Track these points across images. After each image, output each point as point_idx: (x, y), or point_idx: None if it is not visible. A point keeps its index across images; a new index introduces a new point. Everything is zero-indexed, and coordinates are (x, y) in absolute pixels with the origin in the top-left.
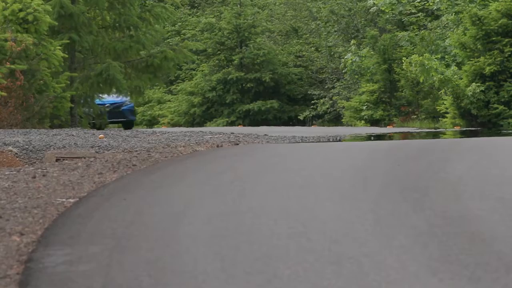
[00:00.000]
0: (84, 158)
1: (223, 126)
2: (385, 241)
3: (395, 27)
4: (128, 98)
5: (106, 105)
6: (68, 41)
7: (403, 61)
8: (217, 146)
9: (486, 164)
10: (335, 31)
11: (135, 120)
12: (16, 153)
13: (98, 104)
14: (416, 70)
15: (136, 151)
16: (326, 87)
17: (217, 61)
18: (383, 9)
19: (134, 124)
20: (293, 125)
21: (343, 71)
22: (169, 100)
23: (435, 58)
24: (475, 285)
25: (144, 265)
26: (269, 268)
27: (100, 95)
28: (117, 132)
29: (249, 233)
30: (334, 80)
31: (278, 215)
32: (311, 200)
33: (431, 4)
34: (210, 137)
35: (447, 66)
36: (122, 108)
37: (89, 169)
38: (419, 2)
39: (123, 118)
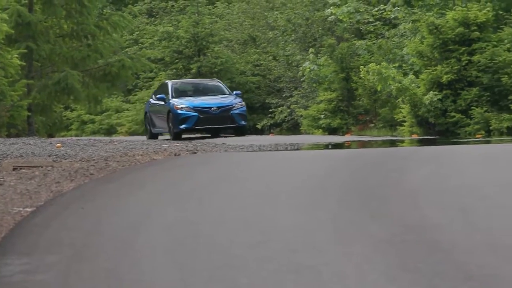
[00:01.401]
0: (42, 167)
1: None
2: (344, 250)
3: (352, 35)
4: (240, 100)
5: (212, 108)
6: (25, 50)
7: (361, 69)
8: (175, 154)
9: (444, 173)
10: (292, 40)
11: (246, 125)
12: None
13: (202, 107)
14: (374, 78)
15: (94, 160)
16: (284, 95)
17: (174, 70)
18: (340, 18)
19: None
20: (252, 133)
21: (301, 79)
22: (127, 109)
23: (393, 67)
24: None
25: (102, 274)
26: (228, 277)
27: (205, 96)
28: (74, 141)
29: (208, 242)
30: (292, 89)
31: (237, 224)
32: (270, 209)
33: (388, 13)
34: (168, 146)
35: (405, 74)
36: (232, 111)
37: (46, 178)
38: (376, 11)
39: (232, 123)
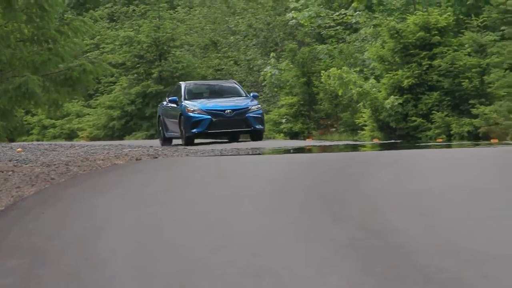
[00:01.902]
0: (2, 172)
1: (143, 139)
2: (305, 254)
3: (314, 40)
4: (256, 102)
5: (226, 111)
6: None
7: (322, 74)
8: (136, 159)
9: (405, 177)
10: (254, 44)
11: (263, 129)
12: None
13: (215, 109)
14: (335, 83)
15: (55, 164)
16: None
17: (136, 75)
18: (302, 22)
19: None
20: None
21: (262, 84)
22: (88, 114)
23: (354, 71)
24: None
25: (63, 279)
26: (190, 281)
27: (219, 98)
28: (35, 146)
29: (169, 246)
30: None
31: (199, 228)
32: (232, 213)
33: (349, 17)
34: (129, 150)
35: (366, 79)
36: (247, 114)
37: (7, 183)
38: (338, 16)
39: (248, 127)
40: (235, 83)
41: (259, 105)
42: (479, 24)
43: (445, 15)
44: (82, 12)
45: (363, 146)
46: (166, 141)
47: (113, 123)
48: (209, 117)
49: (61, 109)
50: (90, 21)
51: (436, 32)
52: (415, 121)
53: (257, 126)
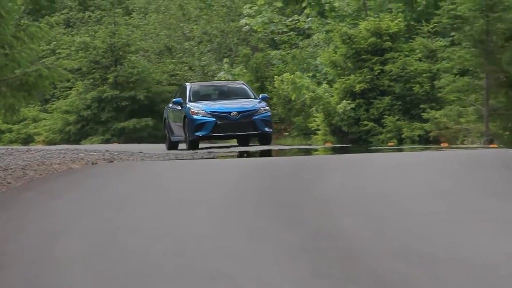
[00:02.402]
0: None
1: (99, 143)
2: (259, 257)
3: (267, 45)
4: (264, 104)
5: (232, 113)
6: None
7: (275, 79)
8: (92, 163)
9: (356, 181)
10: (208, 50)
11: (271, 133)
12: None
13: (220, 112)
14: (288, 88)
15: (11, 169)
16: None
17: (92, 80)
18: (255, 28)
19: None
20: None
21: None
22: (45, 118)
23: (307, 76)
24: None
25: (19, 283)
26: (145, 285)
27: (225, 100)
28: None
29: (125, 250)
30: None
31: (154, 232)
32: (186, 217)
33: (302, 23)
34: (85, 155)
35: (319, 84)
36: (254, 117)
37: None
38: (290, 22)
39: (255, 130)
40: (243, 84)
41: (268, 107)
42: (430, 30)
43: (396, 21)
44: (38, 18)
45: (316, 150)
46: (172, 145)
47: (69, 128)
48: (214, 119)
49: (17, 113)
50: (46, 27)
51: (387, 37)
52: (367, 125)
53: (265, 129)
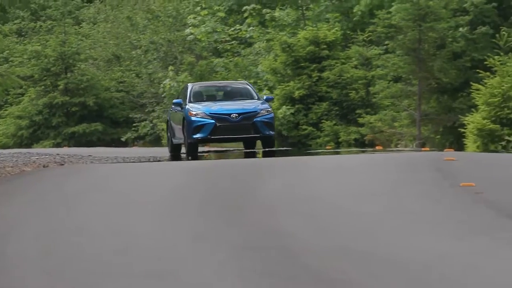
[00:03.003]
0: None
1: (50, 147)
2: (203, 256)
3: (211, 54)
4: (267, 106)
5: (232, 115)
6: None
7: None
8: (44, 166)
9: (297, 183)
10: (154, 59)
11: (273, 136)
12: None
13: (220, 113)
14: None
15: None
16: (147, 110)
17: (43, 87)
18: (199, 37)
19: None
20: (116, 146)
21: (162, 95)
22: None
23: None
24: None
25: None
26: (94, 283)
27: (227, 101)
28: None
29: (75, 249)
30: (154, 104)
31: (103, 233)
32: (134, 218)
33: (244, 32)
34: (37, 158)
35: (260, 90)
36: (255, 119)
37: None
38: (233, 31)
39: (256, 133)
40: (247, 85)
41: (270, 109)
42: (365, 38)
43: (333, 30)
44: None
45: (257, 153)
46: (174, 148)
47: (21, 132)
48: (213, 121)
49: None
50: None
51: (325, 46)
52: (306, 129)
53: (266, 132)
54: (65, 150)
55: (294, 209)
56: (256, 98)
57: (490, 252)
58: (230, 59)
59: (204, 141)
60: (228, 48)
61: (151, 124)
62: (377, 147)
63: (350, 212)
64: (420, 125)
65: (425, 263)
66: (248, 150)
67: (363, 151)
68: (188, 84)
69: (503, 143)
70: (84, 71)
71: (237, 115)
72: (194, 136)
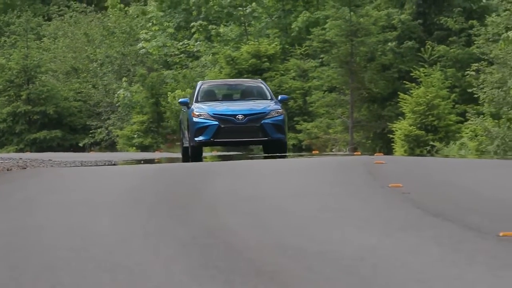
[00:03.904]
0: None
1: (13, 152)
2: (153, 252)
3: (161, 66)
4: (278, 107)
5: (238, 116)
6: None
7: (168, 95)
8: (7, 169)
9: (240, 184)
10: (109, 71)
11: (284, 139)
12: None
13: (225, 114)
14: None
15: None
16: (103, 118)
17: (7, 97)
18: (151, 51)
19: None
20: (74, 151)
21: (117, 104)
22: None
23: None
24: (230, 286)
25: None
26: (54, 276)
27: (234, 101)
28: None
29: (36, 246)
30: (110, 112)
31: (61, 230)
32: (90, 217)
33: (191, 46)
34: (1, 162)
35: None
36: (264, 121)
37: None
38: (181, 45)
39: (264, 136)
40: (262, 83)
41: (281, 110)
42: (302, 52)
43: (273, 45)
44: None
45: (205, 157)
46: (185, 150)
47: None
48: (216, 123)
49: None
50: None
51: (266, 59)
52: None
53: (274, 136)
54: (27, 155)
55: (236, 209)
56: (269, 98)
57: (415, 246)
58: (179, 71)
59: (206, 145)
60: (177, 61)
61: (106, 131)
62: (313, 152)
63: (288, 210)
64: (352, 131)
65: (356, 255)
66: (268, 155)
67: (301, 156)
68: (199, 82)
69: (428, 147)
70: (45, 83)
71: (243, 116)
72: (196, 139)
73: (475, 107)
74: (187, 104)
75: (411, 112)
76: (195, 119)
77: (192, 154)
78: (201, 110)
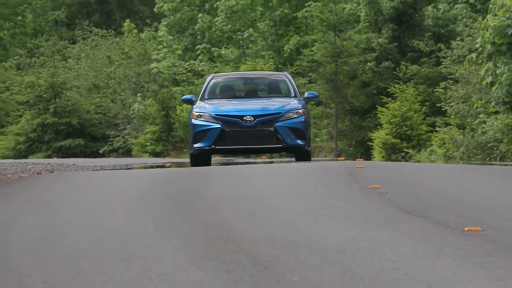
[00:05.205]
0: None
1: (43, 158)
2: (163, 244)
3: (171, 83)
4: (300, 106)
5: (246, 117)
6: None
7: (177, 108)
8: (37, 173)
9: (237, 185)
10: (126, 87)
11: (305, 146)
12: None
13: (230, 115)
14: (187, 115)
15: None
16: (120, 128)
17: (37, 110)
18: (162, 70)
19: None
20: (95, 157)
21: (132, 116)
22: (1, 140)
23: None
24: (230, 275)
25: None
26: (77, 265)
27: (248, 99)
28: None
29: (60, 239)
30: (126, 123)
31: (83, 225)
32: (108, 214)
33: (197, 66)
34: (32, 167)
35: None
36: (277, 124)
37: None
38: (188, 65)
39: (279, 142)
40: (286, 76)
41: (303, 110)
42: (293, 71)
43: (268, 64)
44: None
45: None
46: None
47: (19, 146)
48: (219, 126)
49: None
50: (2, 70)
51: None
52: None
53: (291, 142)
54: (54, 161)
55: (234, 207)
56: (293, 95)
57: (391, 239)
58: (186, 88)
59: (207, 152)
60: (185, 79)
61: (123, 139)
62: None
63: (279, 209)
64: (336, 140)
65: (339, 247)
66: (300, 162)
67: (291, 161)
68: (210, 75)
69: (402, 154)
70: (70, 98)
71: (251, 117)
72: (195, 146)
73: (443, 119)
74: (191, 102)
75: (388, 123)
76: (194, 121)
77: (193, 164)
78: (202, 110)
